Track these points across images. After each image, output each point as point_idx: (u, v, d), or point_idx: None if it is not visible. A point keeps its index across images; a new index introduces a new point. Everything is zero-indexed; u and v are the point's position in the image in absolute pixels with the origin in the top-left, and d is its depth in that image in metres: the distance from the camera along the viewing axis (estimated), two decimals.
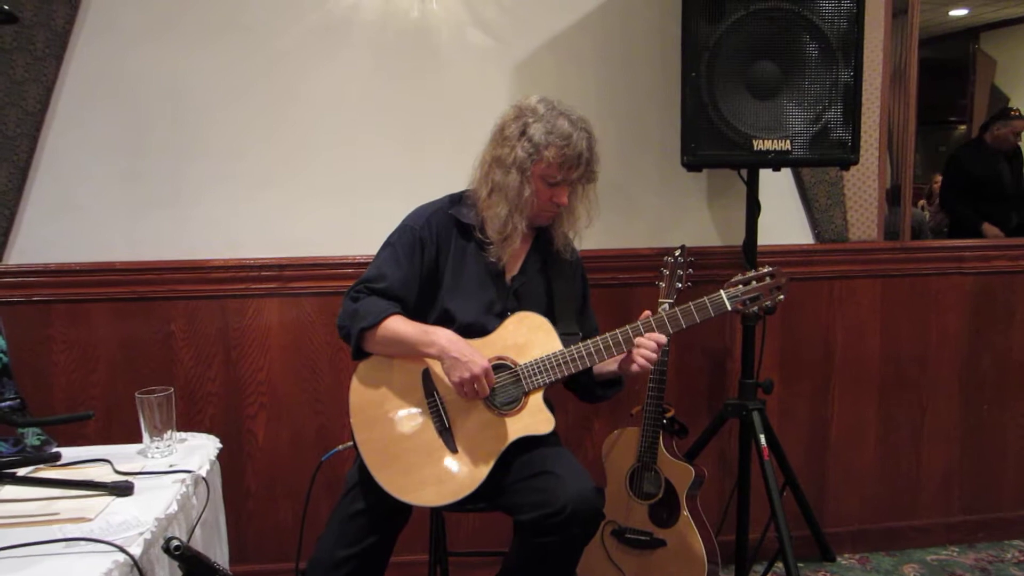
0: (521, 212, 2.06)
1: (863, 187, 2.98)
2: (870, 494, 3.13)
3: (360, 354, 2.09)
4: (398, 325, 2.02)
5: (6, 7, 1.64)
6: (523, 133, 2.03)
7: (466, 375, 1.95)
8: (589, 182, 2.11)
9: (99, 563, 1.38)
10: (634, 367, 2.02)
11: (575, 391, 2.25)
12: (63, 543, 1.44)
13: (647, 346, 2.01)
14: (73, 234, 2.69)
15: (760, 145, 2.43)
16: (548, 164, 2.02)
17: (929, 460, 3.15)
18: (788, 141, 2.43)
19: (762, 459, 2.55)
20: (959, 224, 4.98)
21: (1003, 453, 3.18)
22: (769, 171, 2.62)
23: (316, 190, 2.76)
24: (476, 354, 1.98)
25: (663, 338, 2.02)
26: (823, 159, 2.52)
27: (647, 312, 2.06)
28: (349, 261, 2.74)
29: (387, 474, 2.02)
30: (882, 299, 3.04)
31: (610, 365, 2.12)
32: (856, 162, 2.49)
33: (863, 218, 3.01)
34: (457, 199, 2.17)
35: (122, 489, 1.68)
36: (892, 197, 3.20)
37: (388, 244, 2.15)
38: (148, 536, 1.51)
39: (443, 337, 1.99)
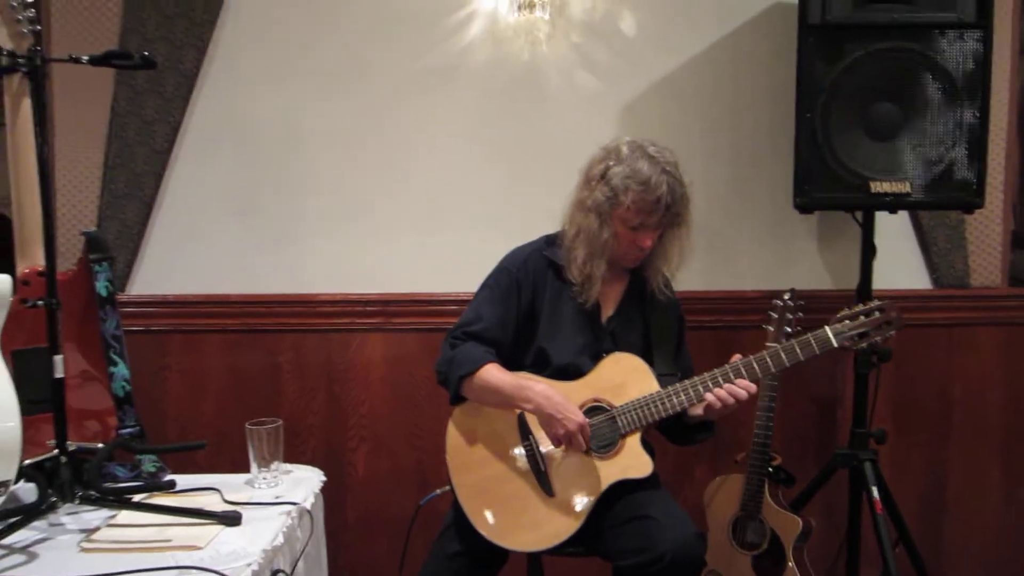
0: (601, 255, 2.04)
1: (986, 231, 2.84)
2: (992, 556, 2.94)
3: (458, 399, 2.10)
4: (494, 375, 2.02)
5: (146, 53, 1.74)
6: (603, 176, 2.02)
7: (561, 432, 1.94)
8: (674, 227, 2.07)
9: None
10: (716, 407, 1.95)
11: (666, 434, 2.19)
12: (176, 571, 1.48)
13: (736, 395, 1.94)
14: (190, 267, 2.81)
15: (877, 187, 2.35)
16: (627, 208, 1.99)
17: None
18: (907, 183, 2.34)
19: (875, 513, 2.43)
20: None
21: None
22: (885, 213, 2.53)
23: (422, 228, 2.81)
24: (572, 410, 1.95)
25: (753, 387, 1.95)
26: (945, 202, 2.42)
27: (736, 355, 2.00)
28: (451, 298, 2.76)
29: (484, 518, 2.01)
30: (1006, 348, 2.87)
31: (699, 408, 2.05)
32: (981, 206, 2.38)
33: (986, 263, 2.86)
34: (552, 240, 2.17)
35: (231, 519, 1.72)
36: (1016, 241, 3.04)
37: (486, 286, 2.17)
38: (255, 567, 1.54)
39: (539, 393, 1.97)
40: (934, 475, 2.91)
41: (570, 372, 2.07)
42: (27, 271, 1.87)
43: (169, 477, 1.96)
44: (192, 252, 2.81)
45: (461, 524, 2.03)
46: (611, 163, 2.02)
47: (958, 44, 2.29)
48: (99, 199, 2.76)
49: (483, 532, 1.98)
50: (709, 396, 1.95)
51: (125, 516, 1.77)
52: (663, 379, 2.04)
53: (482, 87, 2.78)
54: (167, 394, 2.81)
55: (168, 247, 2.81)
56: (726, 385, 1.95)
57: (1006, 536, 2.93)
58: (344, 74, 2.77)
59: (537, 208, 2.67)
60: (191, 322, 2.80)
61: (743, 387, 1.95)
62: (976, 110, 2.31)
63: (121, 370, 1.96)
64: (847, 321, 1.97)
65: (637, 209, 1.99)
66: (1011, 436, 2.90)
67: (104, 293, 1.98)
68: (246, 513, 1.76)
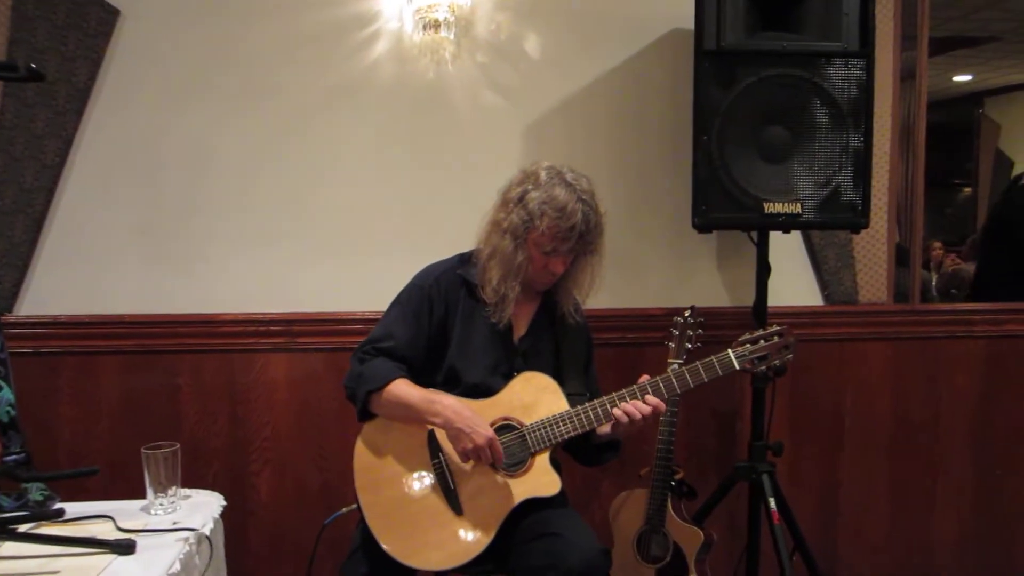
0: (515, 277, 2.06)
1: (872, 249, 2.99)
2: (882, 559, 3.08)
3: (366, 415, 2.09)
4: (403, 390, 2.01)
5: (33, 65, 1.67)
6: (521, 199, 2.04)
7: (470, 446, 1.95)
8: (586, 254, 2.10)
9: None
10: (623, 422, 1.99)
11: (573, 454, 2.22)
12: None
13: (642, 411, 1.97)
14: (84, 287, 2.72)
15: (771, 208, 2.44)
16: (541, 233, 2.02)
17: (942, 524, 3.10)
18: (799, 204, 2.44)
19: (772, 523, 2.51)
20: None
21: (1017, 518, 3.13)
22: (779, 233, 2.63)
23: (326, 247, 2.79)
24: (481, 424, 1.96)
25: (662, 406, 2.00)
26: (833, 222, 2.53)
27: (645, 376, 2.04)
28: (358, 317, 2.74)
29: (391, 537, 1.99)
30: (893, 362, 3.03)
31: (607, 427, 2.08)
32: (866, 226, 2.50)
33: (873, 280, 3.01)
34: (466, 259, 2.18)
35: (124, 547, 1.66)
36: (900, 259, 3.21)
37: (397, 303, 2.16)
38: None
39: (448, 407, 1.97)
40: (828, 484, 3.04)
41: (481, 391, 2.08)
42: None
43: (58, 506, 1.87)
44: (86, 271, 2.71)
45: (368, 545, 2.00)
46: (529, 187, 2.04)
47: (843, 72, 2.41)
48: None
49: (390, 552, 1.96)
50: (617, 412, 1.98)
51: (9, 547, 1.68)
52: (572, 398, 2.06)
53: (388, 106, 2.78)
54: (59, 418, 2.70)
55: (60, 266, 2.70)
56: (633, 401, 1.99)
57: (895, 540, 3.07)
58: (248, 92, 2.73)
59: (442, 227, 2.70)
60: (85, 343, 2.70)
61: (652, 403, 1.98)
62: (861, 135, 2.44)
63: (6, 394, 1.86)
64: (748, 345, 2.05)
65: (552, 235, 2.01)
66: (897, 445, 3.05)
67: None
68: (141, 541, 1.70)
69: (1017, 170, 5.64)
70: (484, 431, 1.95)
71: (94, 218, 2.70)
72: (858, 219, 2.48)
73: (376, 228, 2.80)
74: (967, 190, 7.76)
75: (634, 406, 1.98)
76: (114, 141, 2.70)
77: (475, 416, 1.97)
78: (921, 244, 3.13)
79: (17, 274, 2.65)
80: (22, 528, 1.74)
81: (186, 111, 2.71)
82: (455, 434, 1.97)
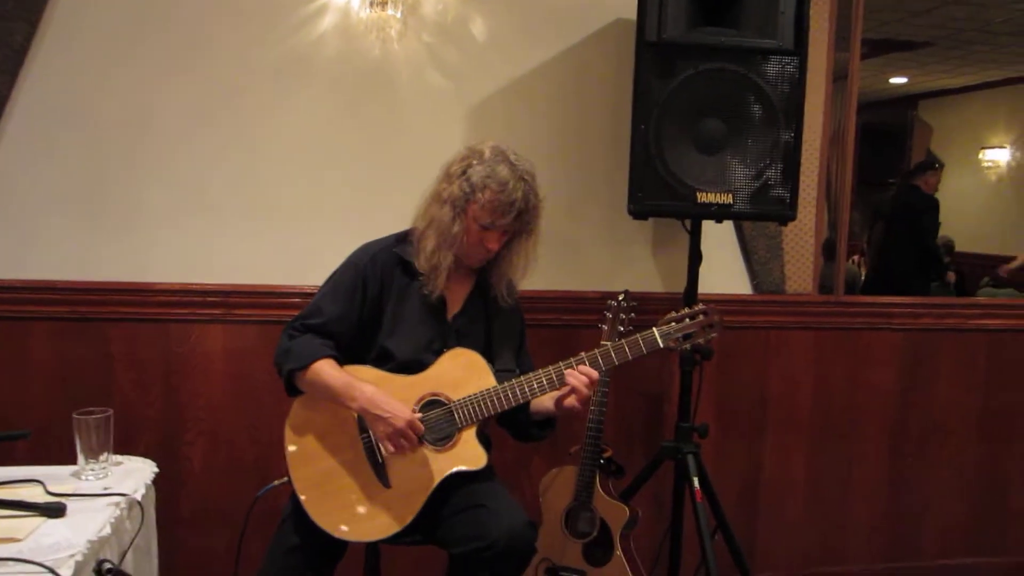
0: (449, 247, 2.10)
1: (800, 242, 3.10)
2: (799, 540, 3.21)
3: (293, 391, 2.12)
4: (325, 372, 2.04)
5: None
6: (464, 172, 2.08)
7: (390, 430, 1.98)
8: (524, 235, 2.15)
9: None
10: (567, 402, 2.05)
11: (509, 429, 2.27)
12: None
13: (579, 380, 2.02)
14: (15, 251, 2.67)
15: (703, 197, 2.51)
16: (481, 206, 2.06)
17: (856, 508, 3.25)
18: (730, 195, 2.52)
19: (695, 502, 2.60)
20: (928, 267, 5.37)
21: (925, 505, 3.29)
22: (712, 222, 2.71)
23: (267, 220, 2.78)
24: (398, 408, 2.00)
25: (595, 373, 2.04)
26: (763, 214, 2.61)
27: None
28: (296, 290, 2.75)
29: (321, 510, 2.03)
30: (815, 351, 3.15)
31: (547, 403, 2.14)
32: (793, 218, 2.59)
33: (800, 271, 3.12)
34: (403, 237, 2.21)
35: (54, 510, 1.66)
36: (828, 252, 3.33)
37: (331, 280, 2.18)
38: (80, 558, 1.50)
39: (365, 394, 2.00)
40: (750, 467, 3.15)
41: (412, 367, 2.12)
42: None
43: None
44: (17, 235, 2.66)
45: (299, 516, 2.04)
46: (473, 162, 2.08)
47: (778, 69, 2.49)
48: None
49: (320, 523, 2.00)
50: (567, 402, 2.03)
51: None
52: (501, 375, 2.11)
53: (331, 81, 2.78)
54: None
55: None
56: (578, 367, 2.03)
57: (811, 521, 3.21)
58: (189, 61, 2.70)
59: (384, 204, 2.72)
60: (15, 308, 2.66)
61: (585, 372, 2.03)
62: (792, 131, 2.52)
63: None
64: (673, 324, 2.10)
65: (492, 208, 2.05)
66: (816, 431, 3.18)
67: None
68: (71, 504, 1.70)
69: (946, 171, 5.96)
70: (402, 414, 1.98)
71: (27, 181, 2.65)
72: (786, 212, 2.57)
73: (316, 203, 2.80)
74: None
75: (577, 371, 2.02)
76: (49, 104, 2.64)
77: (392, 401, 2.01)
78: (847, 238, 3.25)
79: None
80: None
81: (123, 73, 2.67)
82: (372, 420, 2.01)
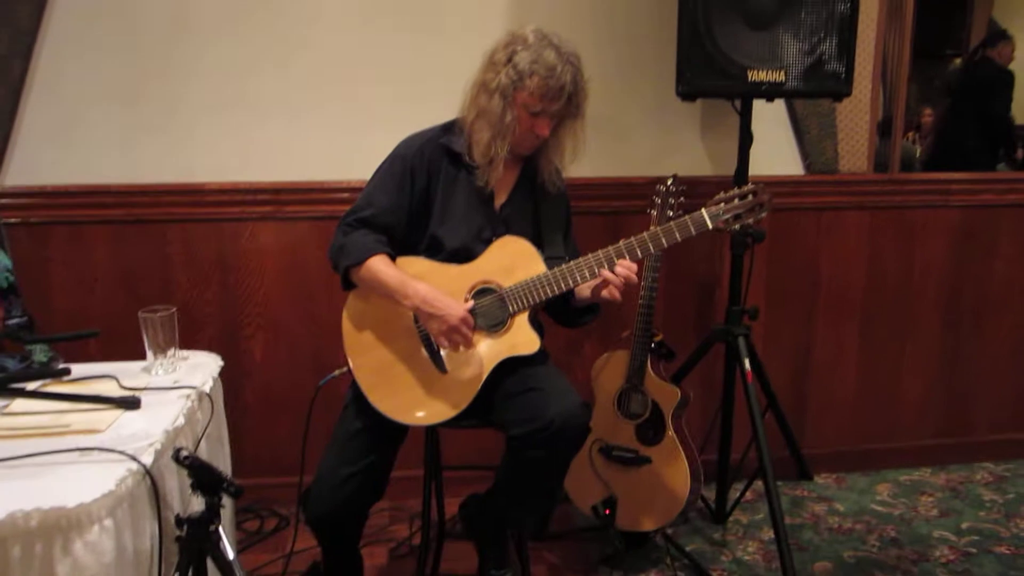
0: (503, 137, 2.07)
1: (855, 119, 3.01)
2: (849, 418, 3.25)
3: (349, 285, 2.15)
4: (380, 268, 2.06)
5: None
6: (509, 60, 2.04)
7: (444, 327, 2.01)
8: (572, 118, 2.12)
9: (113, 471, 1.44)
10: (604, 292, 2.05)
11: (554, 317, 2.30)
12: (78, 452, 1.51)
13: (614, 276, 2.02)
14: (69, 156, 2.70)
15: (754, 76, 2.44)
16: (530, 93, 2.03)
17: (907, 386, 3.26)
18: (782, 72, 2.44)
19: (746, 383, 2.63)
20: (998, 145, 5.04)
21: (977, 381, 3.29)
22: (762, 102, 2.64)
23: (313, 116, 2.77)
24: (451, 305, 2.01)
25: (633, 269, 2.04)
26: (816, 91, 2.53)
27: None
28: (344, 186, 2.77)
29: (380, 396, 2.09)
30: (869, 230, 3.10)
31: (585, 291, 2.15)
32: (849, 94, 2.51)
33: (854, 150, 3.04)
34: (448, 128, 2.19)
35: (130, 403, 1.75)
36: (884, 129, 3.23)
37: (379, 172, 2.18)
38: (158, 447, 1.58)
39: (419, 292, 2.02)
40: (801, 348, 3.16)
41: (462, 256, 2.13)
42: None
43: (63, 365, 1.95)
44: (70, 141, 2.69)
45: (360, 402, 2.11)
46: (518, 47, 2.04)
47: None
48: None
49: (380, 409, 2.07)
50: (606, 272, 2.03)
51: (20, 404, 1.77)
52: (551, 262, 2.12)
53: None
54: (52, 287, 2.75)
55: (43, 135, 2.68)
56: (619, 262, 2.03)
57: (862, 399, 3.23)
58: None
59: (426, 94, 2.69)
60: (73, 213, 2.72)
61: (622, 273, 2.03)
62: (847, 2, 2.41)
63: (3, 260, 1.92)
64: (722, 204, 2.07)
65: (541, 95, 2.02)
66: (869, 311, 3.16)
67: None
68: (145, 398, 1.78)
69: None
70: (455, 312, 2.00)
71: (73, 85, 2.66)
72: (841, 87, 2.49)
73: (358, 97, 2.78)
74: (957, 60, 7.65)
75: (617, 273, 2.02)
76: (89, 5, 2.63)
77: (445, 299, 2.03)
78: (903, 114, 3.15)
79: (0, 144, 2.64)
80: (31, 386, 1.82)
81: None
82: (426, 318, 2.03)
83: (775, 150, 2.99)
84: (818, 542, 2.77)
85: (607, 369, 2.65)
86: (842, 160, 3.05)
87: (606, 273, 2.03)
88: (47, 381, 1.88)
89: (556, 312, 2.27)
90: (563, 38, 2.06)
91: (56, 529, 1.32)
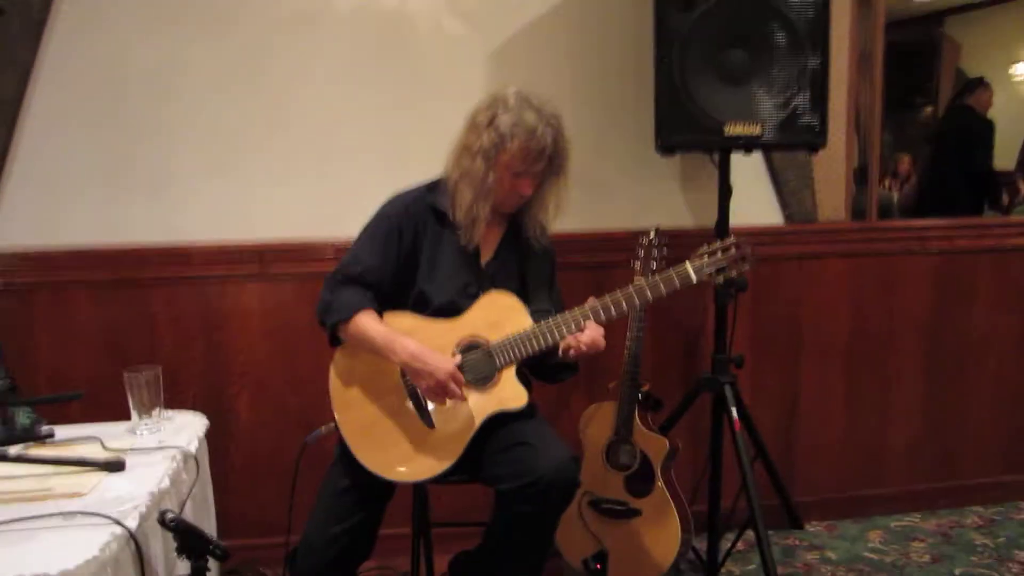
0: (486, 199, 2.11)
1: (831, 169, 3.07)
2: (837, 464, 3.24)
3: (336, 341, 2.16)
4: (367, 324, 2.07)
5: None
6: (491, 122, 2.08)
7: (432, 383, 2.01)
8: (555, 176, 2.15)
9: (97, 536, 1.43)
10: (571, 353, 2.07)
11: (533, 372, 2.28)
12: (61, 516, 1.49)
13: (577, 341, 2.05)
14: (51, 218, 2.71)
15: (731, 130, 2.49)
16: (512, 155, 2.06)
17: (894, 432, 3.26)
18: (758, 126, 2.50)
19: (734, 432, 2.63)
20: (983, 192, 5.04)
21: (963, 424, 3.30)
22: (740, 154, 2.69)
23: (297, 175, 2.80)
24: (439, 359, 2.03)
25: (600, 330, 2.07)
26: (792, 143, 2.59)
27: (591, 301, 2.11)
28: (329, 244, 2.78)
29: (368, 452, 2.08)
30: (849, 277, 3.14)
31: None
32: (824, 146, 2.57)
33: (831, 199, 3.09)
34: (434, 186, 2.22)
35: (114, 465, 1.73)
36: (860, 177, 3.29)
37: (366, 231, 2.20)
38: (143, 509, 1.56)
39: (408, 348, 2.03)
40: (787, 395, 3.17)
41: (449, 311, 2.14)
42: None
43: (46, 427, 1.93)
44: (54, 204, 2.71)
45: (347, 459, 2.10)
46: (499, 110, 2.08)
47: None
48: None
49: (368, 465, 2.06)
50: (574, 340, 2.05)
51: (1, 469, 1.75)
52: (537, 315, 2.13)
53: (351, 33, 2.77)
54: (36, 349, 2.72)
55: (27, 198, 2.69)
56: (577, 334, 2.05)
57: (849, 444, 3.24)
58: (210, 18, 2.70)
59: (409, 152, 2.73)
60: (56, 275, 2.71)
61: (592, 331, 2.06)
62: (818, 57, 2.48)
63: None
64: (706, 257, 2.10)
65: (522, 157, 2.06)
66: (853, 357, 3.18)
67: None
68: (129, 459, 1.77)
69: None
70: (444, 367, 2.01)
71: (58, 149, 2.68)
72: (816, 139, 2.55)
73: (342, 156, 2.81)
74: (928, 109, 7.83)
75: (579, 339, 2.05)
76: (74, 70, 2.66)
77: (434, 354, 2.03)
78: (879, 162, 3.22)
79: None
80: (13, 450, 1.80)
81: (150, 37, 2.68)
82: (415, 374, 2.04)
83: (754, 201, 3.04)
84: None
85: (595, 421, 2.65)
86: (821, 209, 3.10)
87: (571, 339, 2.05)
88: (30, 444, 1.86)
89: (534, 368, 2.26)
90: (543, 99, 2.11)
91: None
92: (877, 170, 3.23)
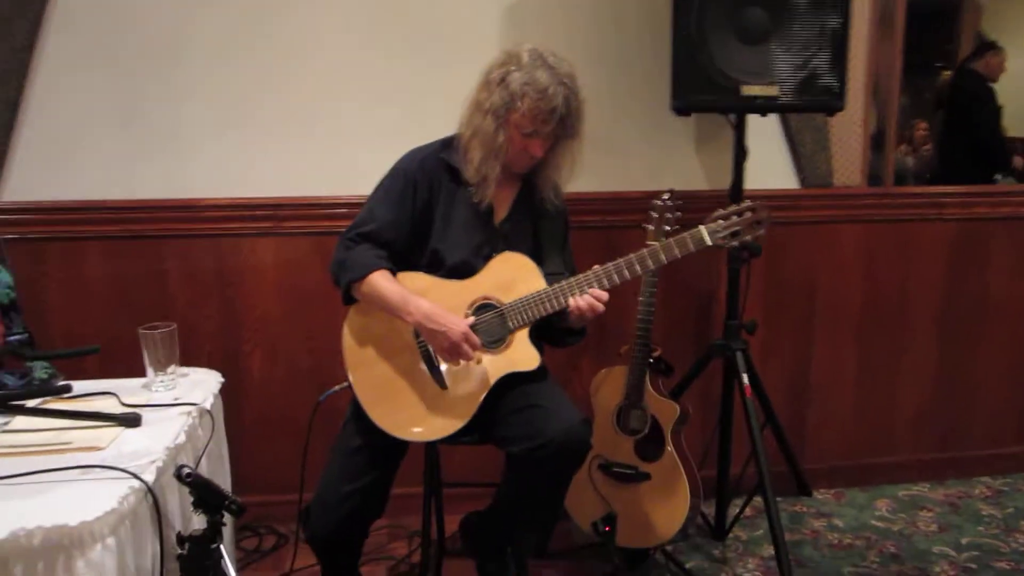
0: (496, 157, 2.08)
1: (848, 133, 3.03)
2: (847, 432, 3.25)
3: (350, 300, 2.15)
4: (381, 283, 2.07)
5: None
6: (503, 80, 2.05)
7: (446, 344, 2.01)
8: (566, 138, 2.11)
9: (115, 489, 1.44)
10: (572, 318, 2.06)
11: (540, 336, 2.23)
12: (79, 470, 1.51)
13: (582, 304, 2.04)
14: (66, 172, 2.70)
15: (748, 90, 2.46)
16: (522, 115, 2.03)
17: (904, 400, 3.26)
18: (776, 87, 2.46)
19: (744, 398, 2.63)
20: (989, 157, 4.98)
21: (974, 394, 3.29)
22: (757, 116, 2.66)
23: (311, 132, 2.78)
24: (453, 320, 2.02)
25: (603, 295, 2.04)
26: (810, 105, 2.56)
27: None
28: (343, 201, 2.77)
29: (380, 412, 2.09)
30: (864, 244, 3.11)
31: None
32: (842, 108, 2.53)
33: (847, 164, 3.06)
34: (448, 143, 2.20)
35: (131, 420, 1.74)
36: (876, 143, 3.25)
37: (380, 187, 2.19)
38: (160, 464, 1.57)
39: (421, 308, 2.02)
40: (799, 361, 3.17)
41: (462, 271, 2.14)
42: None
43: (63, 382, 1.95)
44: (67, 157, 2.69)
45: (361, 419, 2.10)
46: (511, 68, 2.04)
47: None
48: None
49: (380, 425, 2.07)
50: (573, 302, 2.04)
51: (20, 422, 1.77)
52: (551, 278, 2.12)
53: None
54: (48, 303, 2.74)
55: (41, 151, 2.68)
56: (583, 296, 2.04)
57: (859, 413, 3.23)
58: None
59: (423, 110, 2.71)
60: (70, 229, 2.72)
61: (595, 296, 2.04)
62: (839, 16, 2.43)
63: (4, 276, 1.92)
64: (720, 221, 2.08)
65: (532, 117, 2.03)
66: (865, 324, 3.17)
67: None
68: (145, 415, 1.78)
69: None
70: (458, 327, 2.01)
71: (69, 102, 2.67)
72: (834, 101, 2.51)
73: (355, 113, 2.79)
74: (947, 73, 7.71)
75: (585, 301, 2.04)
76: (86, 20, 2.63)
77: (447, 315, 2.03)
78: (896, 127, 3.17)
79: None
80: (31, 403, 1.81)
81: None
82: (428, 334, 2.04)
83: (770, 164, 3.01)
84: (818, 558, 2.77)
85: (605, 385, 2.65)
86: (836, 174, 3.07)
87: (572, 302, 2.04)
88: (48, 398, 1.88)
89: (542, 332, 2.22)
90: (560, 57, 2.07)
91: (59, 548, 1.32)
92: (895, 135, 3.18)
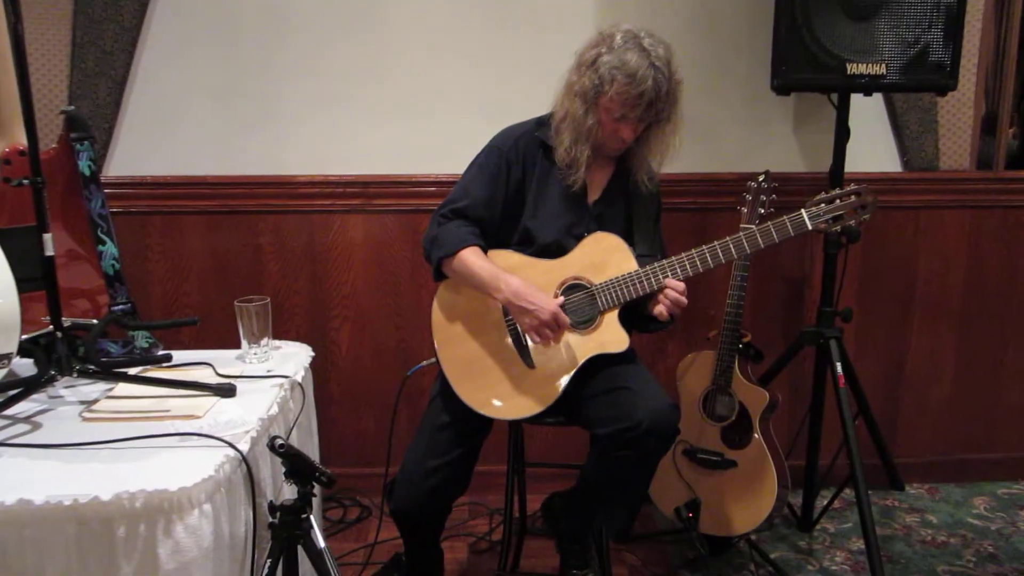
0: (586, 141, 2.06)
1: (957, 114, 2.89)
2: (943, 426, 3.12)
3: (440, 276, 2.15)
4: (472, 260, 2.06)
5: None
6: (593, 63, 2.01)
7: (535, 323, 1.99)
8: (660, 123, 2.06)
9: (211, 457, 1.48)
10: (655, 310, 2.03)
11: (628, 323, 2.19)
12: (178, 437, 1.55)
13: (667, 295, 2.01)
14: (167, 148, 2.79)
15: (853, 69, 2.37)
16: (610, 99, 1.99)
17: (1006, 395, 3.11)
18: (883, 65, 2.36)
19: (837, 387, 2.55)
20: None
21: None
22: (859, 96, 2.55)
23: (402, 110, 2.79)
24: (543, 299, 2.00)
25: (681, 286, 2.01)
26: (919, 84, 2.44)
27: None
28: (431, 179, 2.78)
29: (467, 388, 2.09)
30: (970, 231, 2.97)
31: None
32: (954, 87, 2.41)
33: (955, 147, 2.92)
34: (544, 121, 2.18)
35: (227, 390, 1.79)
36: (987, 125, 3.09)
37: (475, 164, 2.18)
38: (254, 434, 1.61)
39: (511, 286, 2.01)
40: (895, 352, 3.05)
41: (553, 251, 2.12)
42: (8, 150, 1.86)
43: (163, 352, 2.01)
44: (169, 133, 2.78)
45: (448, 396, 2.11)
46: (603, 50, 2.00)
47: None
48: (68, 78, 2.69)
49: (467, 402, 2.07)
50: (657, 309, 2.02)
51: (123, 388, 1.83)
52: (642, 259, 2.09)
53: None
54: (150, 275, 2.83)
55: (144, 127, 2.77)
56: (660, 296, 2.02)
57: (957, 407, 3.10)
58: None
59: (515, 90, 2.69)
60: (170, 203, 2.80)
61: (673, 288, 2.01)
62: None
63: (110, 248, 1.98)
64: (823, 204, 2.01)
65: (621, 101, 1.99)
66: (968, 315, 3.03)
67: (88, 172, 1.98)
68: (240, 385, 1.82)
69: None
70: (547, 306, 1.99)
71: (172, 80, 2.75)
72: (946, 80, 2.39)
73: (448, 92, 2.79)
74: None
75: (666, 299, 2.01)
76: (189, 3, 2.70)
77: (537, 293, 2.01)
78: (1011, 110, 3.00)
79: (104, 136, 2.73)
80: (133, 371, 1.88)
81: None
82: (518, 312, 2.02)
83: (871, 146, 2.89)
84: (910, 555, 2.67)
85: (692, 370, 2.60)
86: (943, 157, 2.93)
87: (662, 297, 2.01)
88: (149, 367, 1.94)
89: (627, 317, 2.16)
90: (657, 39, 2.00)
91: (159, 511, 1.36)
92: (1008, 118, 3.01)
